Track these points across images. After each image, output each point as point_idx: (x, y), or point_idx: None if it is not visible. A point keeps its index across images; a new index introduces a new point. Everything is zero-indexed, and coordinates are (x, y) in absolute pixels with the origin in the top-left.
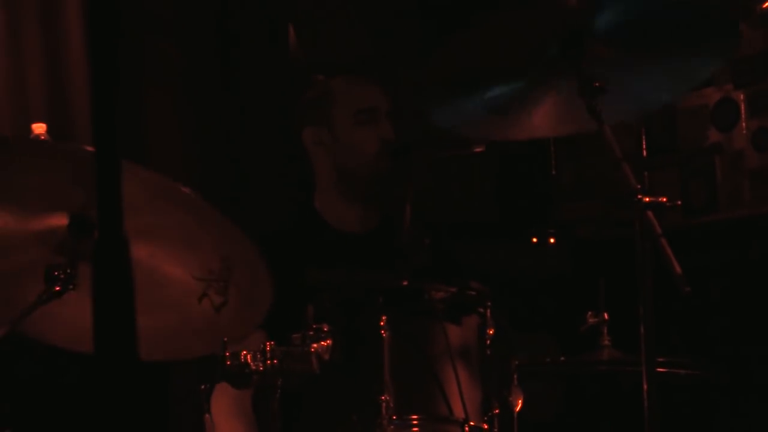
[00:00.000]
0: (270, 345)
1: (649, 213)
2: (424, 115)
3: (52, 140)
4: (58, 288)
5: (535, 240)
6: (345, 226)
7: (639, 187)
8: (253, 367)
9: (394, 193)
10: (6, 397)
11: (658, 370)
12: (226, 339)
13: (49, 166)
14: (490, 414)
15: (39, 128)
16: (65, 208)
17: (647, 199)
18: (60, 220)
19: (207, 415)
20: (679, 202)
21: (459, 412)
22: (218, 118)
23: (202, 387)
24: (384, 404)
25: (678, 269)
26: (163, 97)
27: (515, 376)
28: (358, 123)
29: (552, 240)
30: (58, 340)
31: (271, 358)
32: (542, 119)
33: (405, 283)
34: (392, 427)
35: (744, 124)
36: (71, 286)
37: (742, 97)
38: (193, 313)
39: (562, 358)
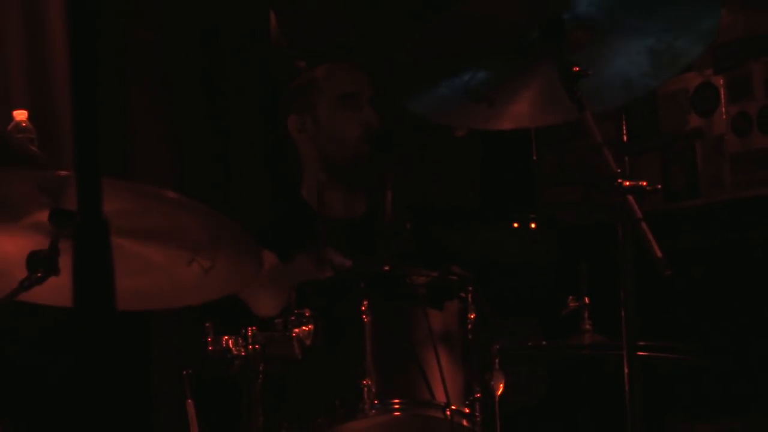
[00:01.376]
0: (252, 330)
1: (630, 197)
2: (402, 101)
3: (33, 127)
4: (40, 274)
5: (516, 225)
6: (330, 211)
7: (619, 171)
8: (235, 352)
9: (376, 178)
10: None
11: (640, 354)
12: (208, 324)
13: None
14: (471, 398)
15: (20, 115)
16: (44, 206)
17: (628, 184)
18: (41, 215)
19: (189, 401)
20: (660, 187)
21: (441, 397)
22: (201, 111)
23: (185, 372)
24: (366, 389)
25: (659, 253)
26: (144, 90)
27: (497, 361)
28: (340, 108)
29: (533, 225)
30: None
31: (253, 343)
32: (526, 108)
33: (386, 267)
34: (374, 411)
35: (724, 109)
36: (53, 273)
37: (722, 81)
38: (182, 275)
39: (544, 342)
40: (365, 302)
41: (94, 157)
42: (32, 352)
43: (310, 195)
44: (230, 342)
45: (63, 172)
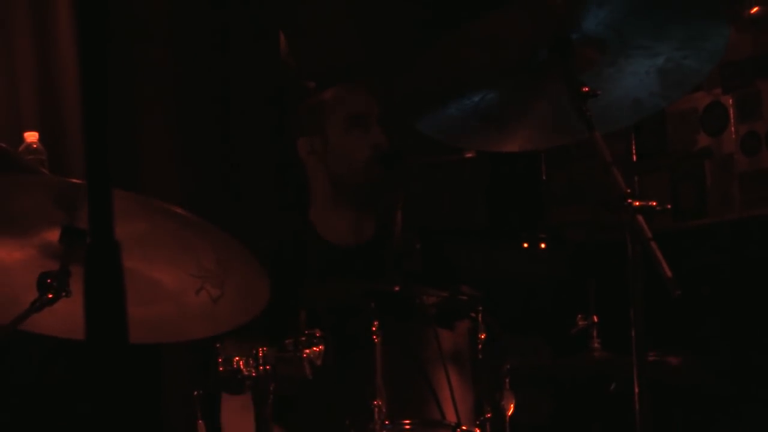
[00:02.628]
0: (263, 350)
1: (640, 217)
2: (412, 122)
3: (44, 149)
4: (50, 296)
5: (526, 245)
6: (338, 237)
7: (629, 191)
8: (246, 373)
9: (386, 200)
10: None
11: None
12: (218, 345)
13: (34, 189)
14: (482, 418)
15: (31, 136)
16: (56, 222)
17: (637, 203)
18: (53, 234)
19: (200, 422)
20: (669, 206)
21: (451, 417)
22: (210, 131)
23: (195, 393)
24: (376, 409)
25: (669, 272)
26: (154, 110)
27: (507, 380)
28: (349, 130)
29: (543, 244)
30: (53, 330)
31: (264, 364)
32: (535, 129)
33: (397, 288)
34: (384, 431)
35: (733, 128)
36: (64, 293)
37: (731, 101)
38: (191, 304)
39: (553, 361)
40: (375, 322)
41: (106, 180)
42: (28, 356)
43: (317, 218)
44: (241, 363)
45: (75, 180)
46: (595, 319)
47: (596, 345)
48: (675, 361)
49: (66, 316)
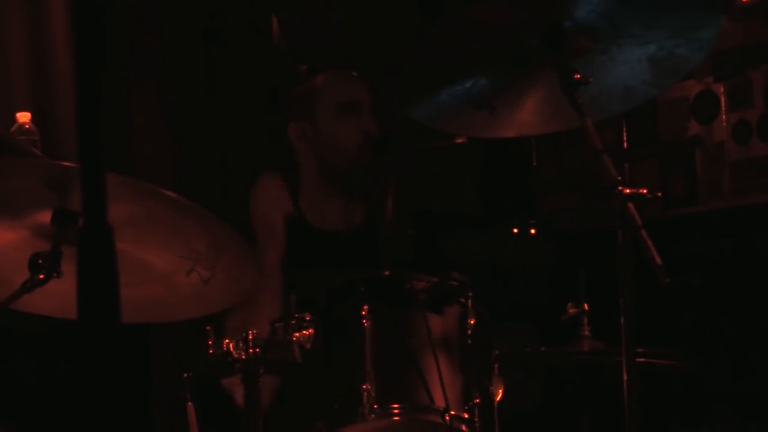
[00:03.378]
0: (252, 334)
1: (630, 204)
2: (403, 108)
3: (36, 129)
4: (42, 276)
5: (515, 231)
6: (327, 223)
7: (620, 178)
8: (236, 356)
9: (376, 186)
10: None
11: (638, 360)
12: (209, 328)
13: (26, 172)
14: (470, 403)
15: (23, 117)
16: (48, 204)
17: (628, 191)
18: (44, 215)
19: (189, 404)
20: (660, 194)
21: (440, 402)
22: (202, 113)
23: (185, 375)
24: (365, 393)
25: (658, 260)
26: (145, 93)
27: (496, 366)
28: (339, 117)
29: (533, 231)
30: (44, 310)
31: (254, 347)
32: (527, 115)
33: (387, 273)
34: (373, 415)
35: (724, 117)
36: (55, 274)
37: (722, 89)
38: (181, 286)
39: (543, 349)
40: (365, 307)
41: (98, 163)
42: (31, 353)
43: (306, 204)
44: (231, 345)
45: (68, 164)
46: (586, 307)
47: (586, 333)
48: (665, 361)
49: (57, 296)
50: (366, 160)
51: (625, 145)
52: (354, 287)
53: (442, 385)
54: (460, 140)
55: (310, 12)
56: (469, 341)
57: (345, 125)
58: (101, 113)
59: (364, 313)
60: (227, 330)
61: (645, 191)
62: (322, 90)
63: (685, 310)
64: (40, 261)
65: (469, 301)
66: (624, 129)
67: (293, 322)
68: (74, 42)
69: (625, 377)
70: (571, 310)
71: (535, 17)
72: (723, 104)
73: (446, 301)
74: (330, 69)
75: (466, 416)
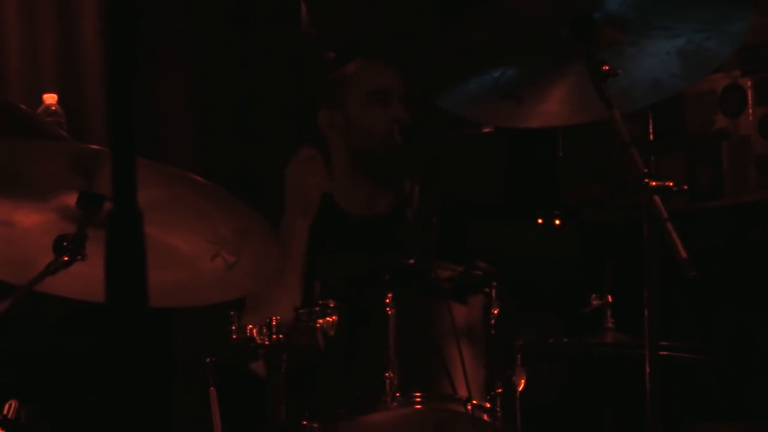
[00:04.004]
0: (276, 320)
1: (656, 197)
2: (432, 97)
3: (62, 111)
4: (66, 258)
5: (540, 221)
6: (356, 209)
7: (646, 171)
8: (259, 341)
9: (403, 173)
10: (13, 367)
11: (661, 353)
12: (232, 313)
13: (53, 155)
14: (493, 393)
15: (50, 98)
16: (74, 187)
17: (654, 183)
18: (70, 198)
19: (212, 389)
20: (686, 187)
21: (462, 391)
22: (230, 100)
23: (208, 360)
24: (388, 381)
25: (683, 253)
26: (174, 79)
27: (519, 357)
28: (370, 104)
29: (557, 222)
30: (68, 292)
31: (277, 333)
32: (554, 106)
33: (412, 261)
34: (395, 403)
35: (751, 111)
36: (80, 257)
37: (749, 83)
38: (206, 270)
39: (566, 340)
40: (390, 295)
41: (130, 148)
42: (45, 336)
43: (335, 189)
44: (254, 331)
45: (94, 146)
46: (609, 299)
47: (610, 325)
48: (689, 355)
49: (81, 279)
50: (394, 147)
51: (652, 137)
52: (379, 275)
53: (464, 374)
54: (486, 130)
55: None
56: (493, 331)
57: (375, 113)
58: (132, 98)
59: (388, 301)
60: (245, 307)
61: (671, 184)
62: (353, 78)
63: (708, 304)
64: (65, 243)
65: (494, 290)
66: (650, 121)
67: (317, 308)
68: (105, 25)
69: (647, 370)
70: (595, 302)
71: (565, 8)
72: (750, 98)
73: (470, 291)
74: (360, 57)
75: (488, 406)
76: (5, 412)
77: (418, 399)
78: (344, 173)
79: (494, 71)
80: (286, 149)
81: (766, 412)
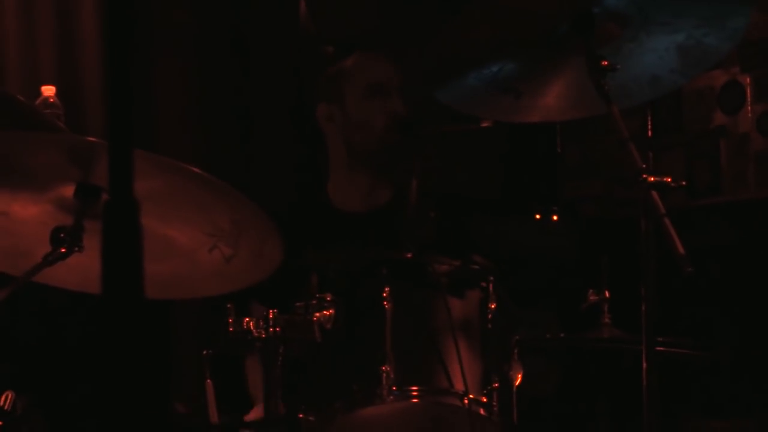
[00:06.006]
0: (273, 313)
1: (654, 193)
2: (431, 91)
3: (60, 103)
4: (63, 250)
5: (538, 216)
6: (353, 202)
7: (644, 166)
8: (256, 334)
9: (401, 168)
10: (8, 358)
11: (658, 349)
12: (229, 305)
13: (51, 146)
14: (489, 388)
15: (48, 90)
16: (71, 178)
17: (652, 179)
18: (67, 189)
19: (208, 381)
20: (684, 183)
21: (459, 385)
22: (227, 92)
23: (205, 353)
24: (384, 375)
25: (681, 249)
26: (171, 70)
27: (515, 351)
28: (368, 98)
29: (555, 217)
30: (65, 283)
31: (274, 326)
32: (553, 101)
33: (409, 255)
34: (392, 397)
35: (750, 108)
36: (77, 248)
37: (748, 80)
38: (203, 262)
39: (563, 335)
40: (387, 289)
41: (127, 138)
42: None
43: (332, 182)
44: (251, 324)
45: (92, 138)
46: (607, 294)
47: (607, 320)
48: (686, 351)
49: (79, 270)
50: (392, 140)
51: (650, 133)
52: (376, 268)
53: (461, 368)
54: (485, 124)
55: None
56: (490, 326)
57: (373, 107)
58: (130, 90)
59: (385, 294)
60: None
61: (669, 180)
62: (351, 72)
63: (704, 301)
64: (62, 235)
65: (491, 285)
66: (649, 117)
67: (314, 302)
68: (104, 17)
69: (644, 365)
70: (592, 298)
71: (565, 3)
72: (749, 95)
73: (468, 285)
74: (359, 51)
75: (485, 400)
76: (1, 403)
77: (414, 393)
78: (341, 166)
79: (493, 66)
80: (283, 141)
81: (764, 409)
